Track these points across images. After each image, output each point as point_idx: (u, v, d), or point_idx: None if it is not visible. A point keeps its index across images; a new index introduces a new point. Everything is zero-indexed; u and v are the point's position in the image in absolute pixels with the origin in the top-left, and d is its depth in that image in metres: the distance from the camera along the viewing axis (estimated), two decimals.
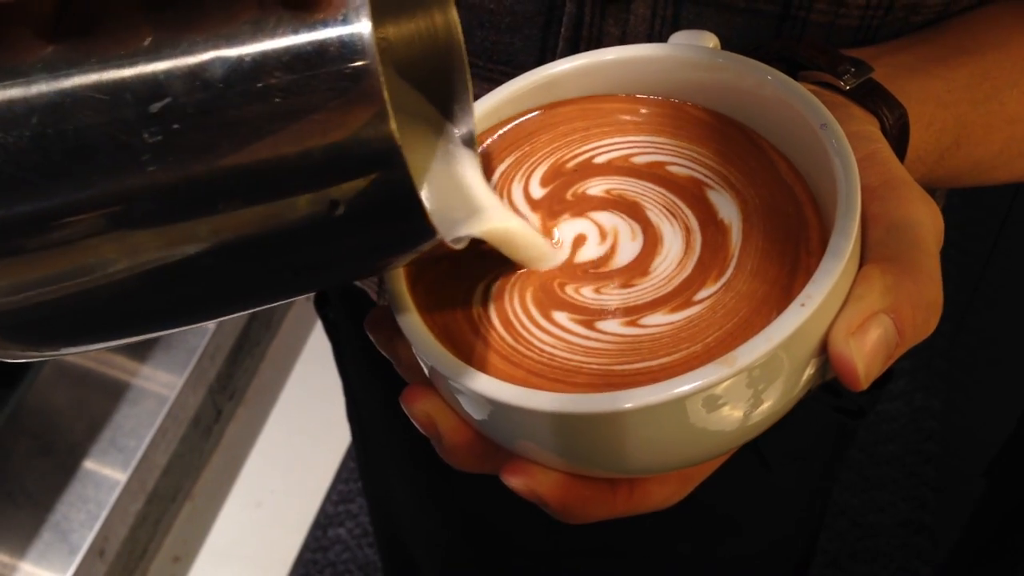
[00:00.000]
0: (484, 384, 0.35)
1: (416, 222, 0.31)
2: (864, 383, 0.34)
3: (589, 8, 0.50)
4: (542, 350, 0.37)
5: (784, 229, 0.38)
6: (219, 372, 1.63)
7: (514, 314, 0.38)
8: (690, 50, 0.42)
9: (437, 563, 0.90)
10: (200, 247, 0.30)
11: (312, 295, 0.91)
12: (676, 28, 0.50)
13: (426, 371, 0.38)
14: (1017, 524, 1.25)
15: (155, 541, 1.57)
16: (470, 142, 0.40)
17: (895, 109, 0.43)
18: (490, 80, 0.55)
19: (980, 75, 0.48)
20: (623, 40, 0.51)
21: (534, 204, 0.42)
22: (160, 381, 1.52)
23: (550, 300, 0.39)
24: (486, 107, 0.44)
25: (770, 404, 0.35)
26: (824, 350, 0.34)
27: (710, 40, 0.43)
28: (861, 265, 0.36)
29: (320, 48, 0.28)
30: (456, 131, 0.40)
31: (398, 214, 0.30)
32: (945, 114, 0.47)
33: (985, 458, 1.33)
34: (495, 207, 0.38)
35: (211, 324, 1.58)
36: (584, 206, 0.42)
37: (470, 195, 0.39)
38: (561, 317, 0.38)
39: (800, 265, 0.36)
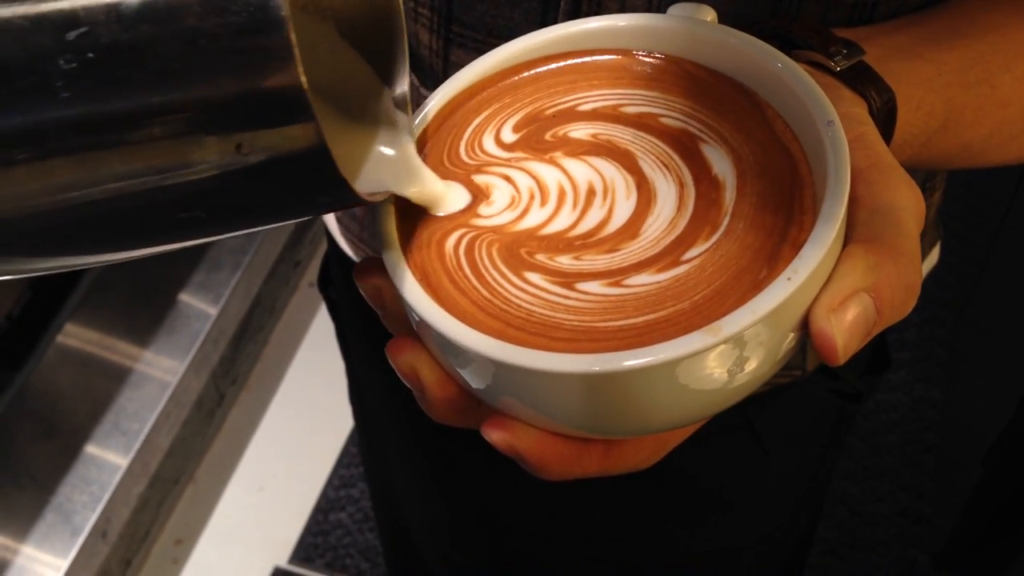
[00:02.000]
0: (470, 338, 0.35)
1: (326, 172, 0.31)
2: (842, 358, 0.35)
3: None
4: (519, 306, 0.37)
5: (778, 186, 0.38)
6: (222, 356, 1.64)
7: (501, 274, 0.39)
8: (698, 25, 0.43)
9: (438, 547, 0.91)
10: (112, 178, 0.31)
11: (309, 282, 0.92)
12: (674, 0, 0.50)
13: (413, 322, 0.39)
14: (1014, 512, 1.25)
15: (157, 524, 1.57)
16: (403, 104, 0.41)
17: (883, 92, 0.43)
18: None
19: (972, 58, 0.48)
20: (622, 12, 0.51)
21: (508, 147, 0.42)
22: (163, 365, 1.53)
23: (527, 264, 0.39)
24: (475, 71, 0.44)
25: (750, 372, 0.35)
26: (806, 323, 0.35)
27: (708, 13, 0.44)
28: (845, 244, 0.36)
29: None
30: (391, 92, 0.41)
31: (308, 163, 0.31)
32: (934, 97, 0.47)
33: (985, 448, 1.34)
34: (414, 168, 0.40)
35: (213, 309, 1.58)
36: (571, 149, 0.42)
37: (393, 158, 0.40)
38: (535, 278, 0.38)
39: (793, 221, 0.37)
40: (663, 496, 0.73)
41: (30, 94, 0.30)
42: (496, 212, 0.41)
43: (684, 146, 0.40)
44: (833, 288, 0.35)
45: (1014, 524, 1.26)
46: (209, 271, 1.62)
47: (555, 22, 0.53)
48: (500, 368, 0.35)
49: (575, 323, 0.36)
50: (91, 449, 1.45)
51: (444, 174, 0.42)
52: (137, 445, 1.46)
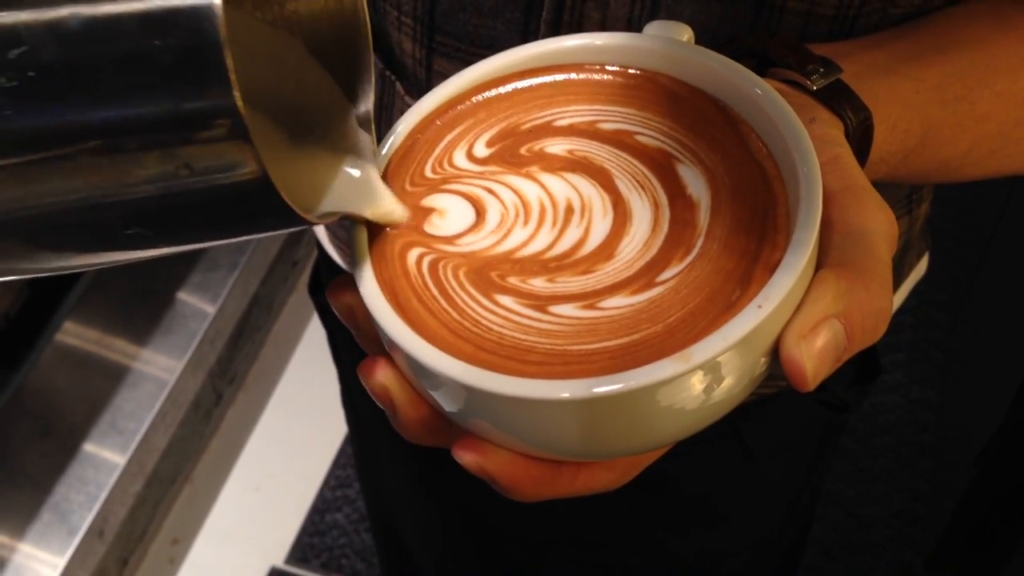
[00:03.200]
0: (440, 362, 0.36)
1: (267, 196, 0.32)
2: (811, 384, 0.35)
3: None
4: (490, 329, 0.37)
5: (752, 205, 0.38)
6: (219, 356, 1.64)
7: (471, 295, 0.39)
8: (674, 45, 0.43)
9: (431, 550, 0.91)
10: (53, 193, 0.32)
11: (307, 282, 0.92)
12: (655, 13, 0.50)
13: (385, 343, 0.39)
14: (1006, 513, 1.26)
15: (154, 523, 1.58)
16: (367, 123, 0.41)
17: (860, 112, 0.43)
18: (472, 64, 0.55)
19: (951, 75, 0.49)
20: (603, 24, 0.52)
21: (481, 161, 0.42)
22: (160, 365, 1.53)
23: (499, 286, 0.39)
24: (449, 88, 0.45)
25: (721, 397, 0.36)
26: (777, 348, 0.35)
27: (684, 32, 0.44)
28: (818, 268, 0.37)
29: (171, 14, 0.29)
30: (355, 110, 0.41)
31: (248, 186, 0.31)
32: (912, 115, 0.47)
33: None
34: (373, 189, 0.40)
35: (210, 309, 1.58)
36: (547, 165, 0.42)
37: (354, 177, 0.40)
38: (507, 300, 0.38)
39: (767, 240, 0.37)
40: (653, 503, 0.73)
41: None
42: (474, 232, 0.40)
43: (659, 165, 0.41)
44: (804, 314, 0.35)
45: (1007, 525, 1.26)
46: (207, 271, 1.63)
47: (537, 32, 0.53)
48: (470, 392, 0.35)
49: (547, 346, 0.36)
50: (88, 448, 1.45)
51: (417, 193, 0.42)
52: (134, 445, 1.46)
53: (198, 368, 1.58)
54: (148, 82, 0.30)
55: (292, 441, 1.71)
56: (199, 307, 1.60)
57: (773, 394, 0.67)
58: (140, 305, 1.58)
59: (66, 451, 1.44)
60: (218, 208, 0.33)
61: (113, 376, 1.51)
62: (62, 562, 1.37)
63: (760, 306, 0.34)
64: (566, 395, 0.34)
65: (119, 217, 0.32)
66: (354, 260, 0.40)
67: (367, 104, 0.41)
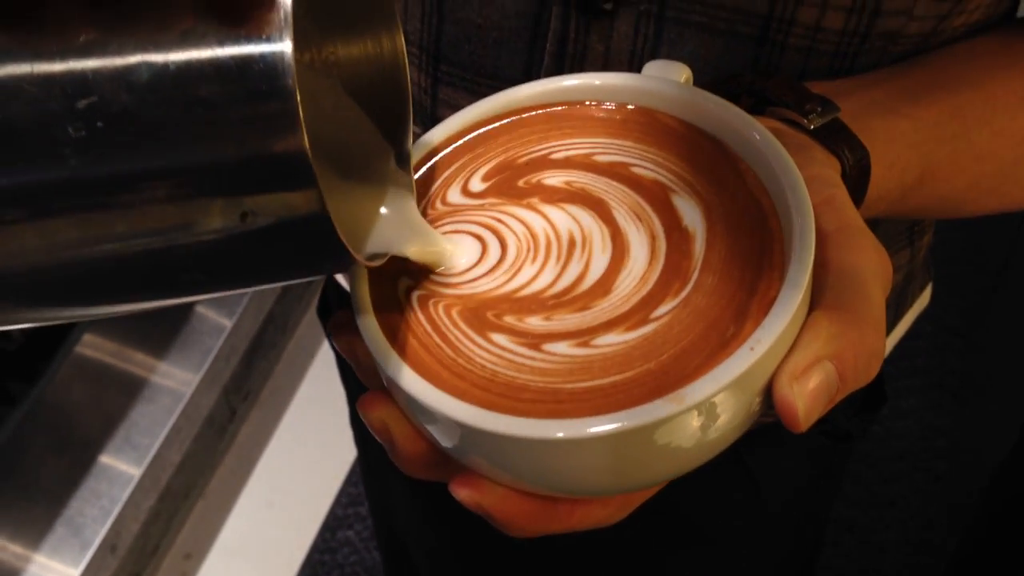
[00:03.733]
0: (436, 399, 0.36)
1: (327, 239, 0.32)
2: (804, 425, 0.36)
3: (574, 25, 0.52)
4: (484, 366, 0.37)
5: (748, 239, 0.38)
6: (234, 373, 1.65)
7: (464, 334, 0.39)
8: (672, 86, 0.43)
9: (437, 571, 0.91)
10: (114, 238, 0.32)
11: (316, 305, 0.93)
12: (658, 47, 0.51)
13: (383, 379, 0.39)
14: (1016, 538, 1.25)
15: (167, 538, 1.58)
16: (406, 162, 0.41)
17: (857, 151, 0.44)
18: (476, 93, 0.56)
19: (950, 113, 0.49)
20: (607, 56, 0.52)
21: (479, 195, 0.43)
22: (175, 380, 1.54)
23: (494, 325, 0.39)
24: (447, 128, 0.45)
25: (715, 436, 0.36)
26: (769, 389, 0.36)
27: (683, 72, 0.44)
28: (811, 308, 0.37)
29: (242, 63, 0.29)
30: (394, 150, 0.42)
31: (310, 229, 0.32)
32: (910, 153, 0.47)
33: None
34: (416, 226, 0.40)
35: (226, 325, 1.59)
36: (547, 197, 0.42)
37: (395, 217, 0.40)
38: (502, 339, 0.38)
39: (762, 275, 0.37)
40: (657, 529, 0.73)
41: (38, 158, 0.30)
42: (475, 269, 0.41)
43: (656, 196, 0.41)
44: (797, 356, 0.36)
45: (1017, 550, 1.25)
46: None
47: (541, 63, 0.54)
48: (465, 430, 0.36)
49: (541, 384, 0.36)
50: (103, 462, 1.46)
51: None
52: (148, 459, 1.47)
53: (213, 384, 1.59)
54: (218, 130, 0.30)
55: (305, 458, 1.72)
56: (215, 323, 1.61)
57: (774, 423, 0.67)
58: (158, 320, 1.59)
59: (81, 464, 1.45)
60: (277, 252, 0.33)
61: (129, 390, 1.52)
62: (75, 575, 1.37)
63: (752, 348, 0.34)
64: (560, 435, 0.34)
65: (176, 262, 0.32)
66: (353, 297, 0.40)
67: (406, 144, 0.41)
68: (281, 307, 1.77)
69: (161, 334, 1.57)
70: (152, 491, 1.49)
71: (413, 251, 0.40)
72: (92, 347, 1.55)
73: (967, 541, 1.39)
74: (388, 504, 0.94)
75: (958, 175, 0.50)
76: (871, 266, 0.38)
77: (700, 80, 0.51)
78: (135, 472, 1.46)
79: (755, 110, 0.46)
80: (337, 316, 0.43)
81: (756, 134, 0.40)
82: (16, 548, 1.39)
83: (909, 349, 1.73)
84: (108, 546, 1.42)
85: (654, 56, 0.51)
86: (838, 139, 0.44)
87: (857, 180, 0.44)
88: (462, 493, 0.38)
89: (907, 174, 0.48)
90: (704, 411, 0.34)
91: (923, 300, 0.72)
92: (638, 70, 0.49)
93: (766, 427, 0.66)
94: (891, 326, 0.71)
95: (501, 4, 0.53)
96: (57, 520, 1.40)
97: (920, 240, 0.65)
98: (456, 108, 0.47)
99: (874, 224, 0.58)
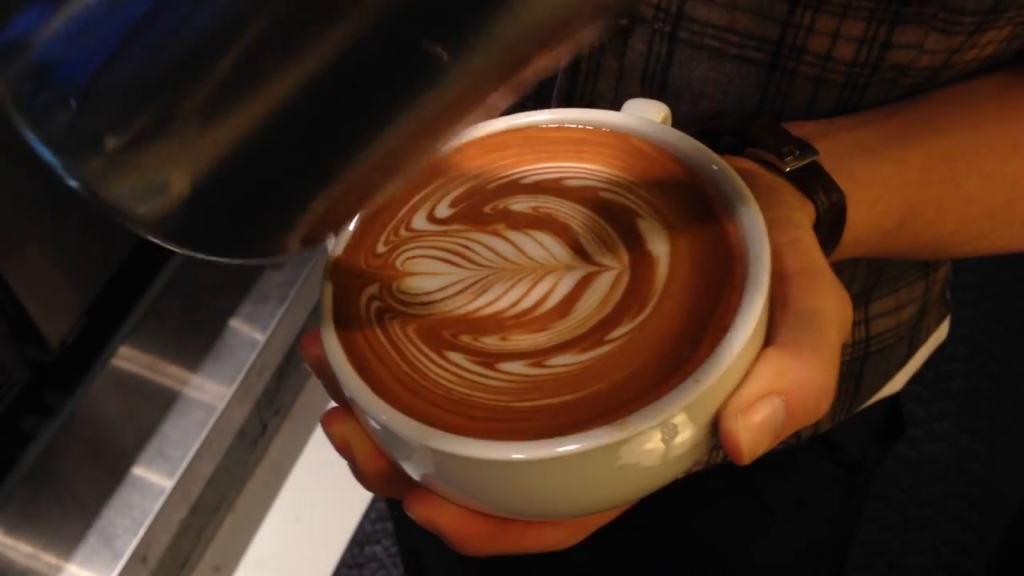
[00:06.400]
0: (386, 415, 0.36)
1: None
2: (747, 458, 0.36)
3: None
4: (438, 383, 0.37)
5: (710, 265, 0.38)
6: (266, 387, 1.66)
7: (421, 351, 0.39)
8: (647, 125, 0.43)
9: None
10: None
11: None
12: (669, 67, 0.51)
13: (344, 395, 0.40)
14: None
15: (197, 550, 1.60)
16: None
17: (832, 194, 0.44)
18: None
19: (939, 156, 0.49)
20: (620, 73, 0.53)
21: (444, 221, 0.42)
22: (208, 394, 1.56)
23: (450, 343, 0.39)
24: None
25: (658, 466, 0.36)
26: (717, 421, 0.36)
27: (660, 112, 0.45)
28: (767, 343, 0.37)
29: None
30: None
31: None
32: (891, 196, 0.47)
33: None
34: None
35: (259, 339, 1.61)
36: (513, 223, 0.42)
37: None
38: (457, 357, 0.38)
39: (722, 300, 0.37)
40: (674, 558, 0.73)
41: None
42: (439, 292, 0.41)
43: (621, 221, 0.41)
44: (745, 390, 0.36)
45: None
46: (256, 303, 1.65)
47: (555, 79, 0.54)
48: (412, 447, 0.36)
49: (493, 402, 0.36)
50: (135, 473, 1.48)
51: (385, 252, 0.42)
52: (180, 472, 1.48)
53: (245, 398, 1.61)
54: None
55: (334, 472, 1.72)
56: (248, 338, 1.62)
57: (785, 450, 0.66)
58: (192, 333, 1.61)
59: (113, 476, 1.47)
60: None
61: (161, 404, 1.54)
62: None
63: (698, 380, 0.34)
64: (505, 456, 0.34)
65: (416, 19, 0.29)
66: (320, 313, 0.41)
67: None
68: (314, 322, 1.78)
69: (195, 348, 1.59)
70: (183, 503, 1.51)
71: None
72: (127, 359, 1.57)
73: (999, 568, 1.37)
74: (410, 523, 0.94)
75: (944, 219, 0.50)
76: (829, 307, 0.38)
77: (705, 107, 0.51)
78: (167, 484, 1.47)
79: (735, 150, 0.46)
80: (308, 333, 0.43)
81: (714, 166, 0.41)
82: (49, 557, 1.41)
83: (944, 372, 1.72)
84: (139, 557, 1.43)
85: (666, 77, 0.52)
86: (813, 182, 0.44)
87: (832, 223, 0.44)
88: (415, 510, 0.38)
89: (887, 217, 0.48)
90: (647, 439, 0.34)
91: (940, 334, 0.72)
92: (652, 88, 0.49)
93: (780, 456, 0.67)
94: (904, 359, 0.70)
95: None
96: (89, 530, 1.42)
97: (935, 273, 0.65)
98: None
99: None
